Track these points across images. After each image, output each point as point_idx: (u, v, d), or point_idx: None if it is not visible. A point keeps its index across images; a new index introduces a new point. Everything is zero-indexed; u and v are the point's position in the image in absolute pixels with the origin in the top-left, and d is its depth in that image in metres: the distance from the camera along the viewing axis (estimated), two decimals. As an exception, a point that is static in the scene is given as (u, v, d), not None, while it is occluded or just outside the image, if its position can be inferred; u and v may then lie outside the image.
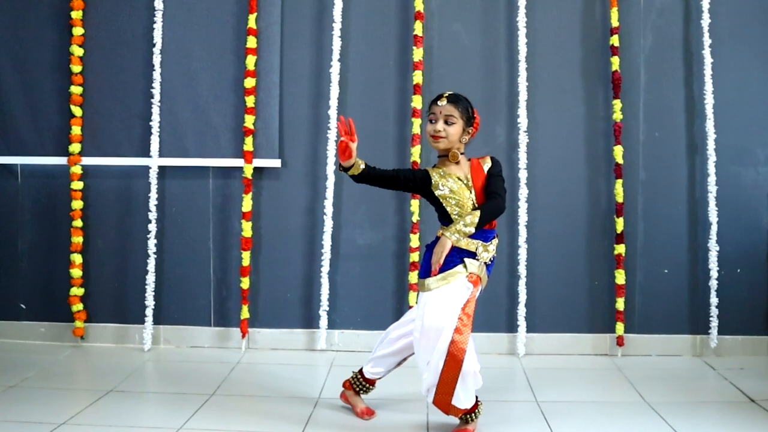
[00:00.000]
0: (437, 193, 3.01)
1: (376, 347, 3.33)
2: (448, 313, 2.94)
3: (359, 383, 3.34)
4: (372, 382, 3.34)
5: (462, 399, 2.99)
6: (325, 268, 4.31)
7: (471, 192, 3.02)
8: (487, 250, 3.05)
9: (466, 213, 2.98)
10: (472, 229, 2.95)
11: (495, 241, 3.10)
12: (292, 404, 3.48)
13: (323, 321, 4.33)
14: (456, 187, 3.01)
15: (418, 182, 3.04)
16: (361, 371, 3.35)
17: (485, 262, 3.05)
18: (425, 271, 3.03)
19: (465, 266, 2.99)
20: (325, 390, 3.70)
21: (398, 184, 3.04)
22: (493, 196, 3.01)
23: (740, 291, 4.32)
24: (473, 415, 3.08)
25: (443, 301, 2.96)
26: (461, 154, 3.08)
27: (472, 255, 3.01)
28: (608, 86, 4.32)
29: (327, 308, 4.33)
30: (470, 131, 3.09)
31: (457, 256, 2.99)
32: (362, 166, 2.97)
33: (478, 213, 2.94)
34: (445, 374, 2.92)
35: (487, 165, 3.10)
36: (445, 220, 3.06)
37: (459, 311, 2.94)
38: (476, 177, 3.06)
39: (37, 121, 4.44)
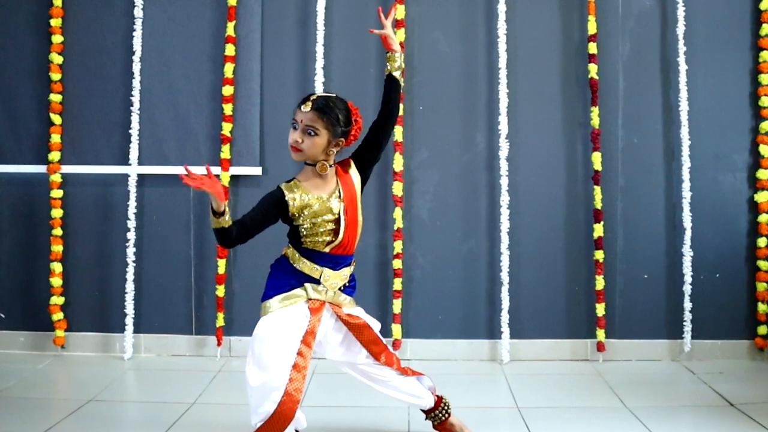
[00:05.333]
0: (296, 222, 2.70)
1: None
2: (286, 346, 2.66)
3: (443, 411, 3.06)
4: (438, 403, 3.05)
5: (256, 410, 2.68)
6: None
7: (339, 205, 2.72)
8: (335, 277, 2.76)
9: (316, 235, 2.70)
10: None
11: (348, 269, 2.83)
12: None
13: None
14: (316, 206, 2.69)
15: (271, 218, 2.68)
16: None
17: (339, 288, 2.80)
18: (266, 294, 2.75)
19: (305, 290, 2.73)
20: (306, 398, 3.68)
21: (255, 229, 2.66)
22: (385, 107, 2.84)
23: (719, 295, 4.35)
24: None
25: (280, 329, 2.67)
26: (330, 166, 2.75)
27: (316, 281, 2.73)
28: (587, 93, 4.34)
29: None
30: (341, 143, 2.74)
31: (295, 280, 2.73)
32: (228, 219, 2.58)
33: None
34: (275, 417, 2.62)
35: (353, 168, 2.84)
36: (291, 236, 2.77)
37: (298, 344, 2.67)
38: (346, 186, 2.77)
39: (16, 129, 4.41)
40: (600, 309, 4.29)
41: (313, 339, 2.71)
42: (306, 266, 2.73)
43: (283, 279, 2.75)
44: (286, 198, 2.68)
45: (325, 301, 2.77)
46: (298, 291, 2.73)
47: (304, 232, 2.71)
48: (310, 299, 2.74)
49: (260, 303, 2.76)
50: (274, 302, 2.71)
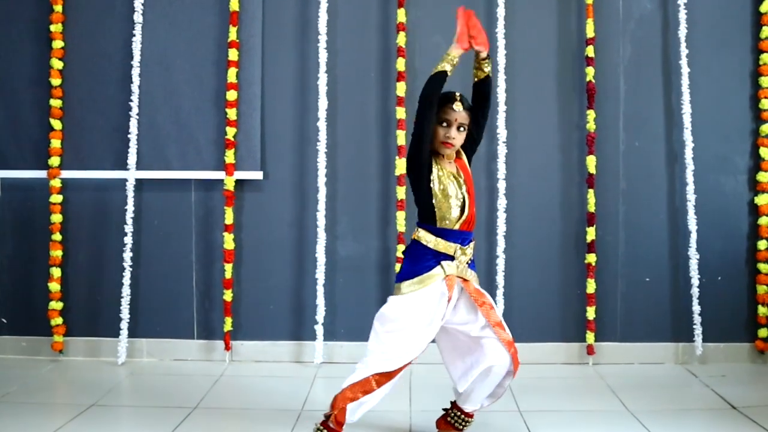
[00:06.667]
0: (434, 186, 2.90)
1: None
2: (417, 323, 2.89)
3: (460, 419, 3.16)
4: (471, 415, 3.17)
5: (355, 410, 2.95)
6: (320, 280, 4.30)
7: (462, 188, 2.94)
8: (465, 253, 2.96)
9: (447, 213, 2.90)
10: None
11: (472, 244, 3.02)
12: (276, 417, 3.46)
13: (308, 333, 4.32)
14: (448, 183, 2.92)
15: (428, 146, 2.90)
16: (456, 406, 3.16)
17: (466, 263, 2.98)
18: (401, 275, 2.95)
19: (443, 268, 2.90)
20: (308, 402, 3.68)
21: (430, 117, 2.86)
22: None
23: (721, 298, 4.35)
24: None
25: (412, 310, 2.88)
26: None
27: (450, 258, 2.93)
28: (585, 96, 4.35)
29: (313, 320, 4.31)
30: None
31: (433, 259, 2.91)
32: (449, 70, 2.88)
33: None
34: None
35: (463, 157, 3.05)
36: (425, 219, 2.95)
37: (428, 321, 2.89)
38: (464, 169, 3.01)
39: (17, 134, 4.41)
40: (591, 312, 4.30)
41: (444, 313, 2.93)
42: (441, 244, 2.91)
43: (420, 262, 2.92)
44: (433, 164, 2.92)
45: (457, 276, 2.94)
46: (435, 270, 2.90)
47: (437, 210, 2.90)
48: (447, 276, 2.91)
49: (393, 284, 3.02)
50: (412, 284, 2.89)
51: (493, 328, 2.96)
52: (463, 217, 2.93)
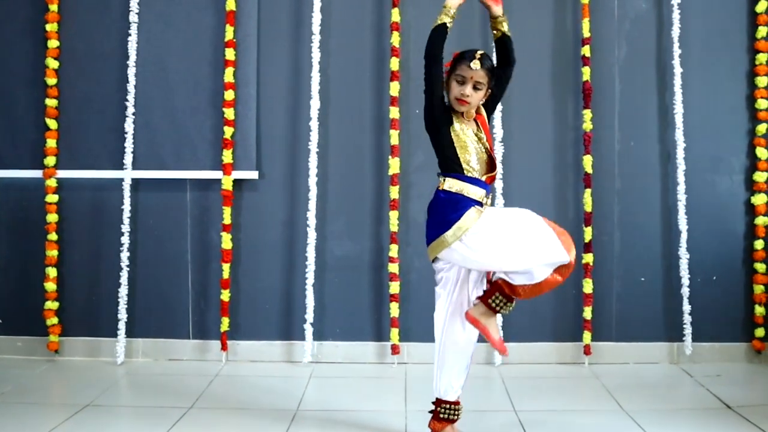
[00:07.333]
0: (454, 133, 2.92)
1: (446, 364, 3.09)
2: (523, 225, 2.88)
3: (452, 410, 3.10)
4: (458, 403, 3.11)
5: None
6: (310, 280, 4.29)
7: (482, 145, 2.97)
8: (487, 205, 2.95)
9: (472, 162, 2.92)
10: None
11: (490, 194, 3.01)
12: (271, 416, 3.46)
13: (303, 333, 4.31)
14: (471, 135, 2.95)
15: (438, 101, 2.93)
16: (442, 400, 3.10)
17: None
18: (437, 230, 2.92)
19: (477, 210, 2.89)
20: (303, 402, 3.68)
21: (435, 67, 2.92)
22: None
23: (716, 298, 4.35)
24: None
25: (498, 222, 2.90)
26: None
27: (479, 204, 2.92)
28: (581, 96, 4.35)
29: (308, 320, 4.31)
30: (489, 93, 3.01)
31: (467, 204, 2.89)
32: (449, 22, 2.91)
33: None
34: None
35: (483, 112, 3.06)
36: (447, 168, 2.95)
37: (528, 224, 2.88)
38: (486, 131, 3.02)
39: (12, 134, 4.41)
40: (587, 312, 4.30)
41: None
42: (472, 190, 2.91)
43: (455, 208, 2.90)
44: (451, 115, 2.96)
45: None
46: (466, 219, 2.87)
47: (461, 158, 2.92)
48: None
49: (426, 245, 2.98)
50: (453, 233, 2.86)
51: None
52: (489, 172, 2.96)
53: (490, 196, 3.01)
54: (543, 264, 2.84)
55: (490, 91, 2.99)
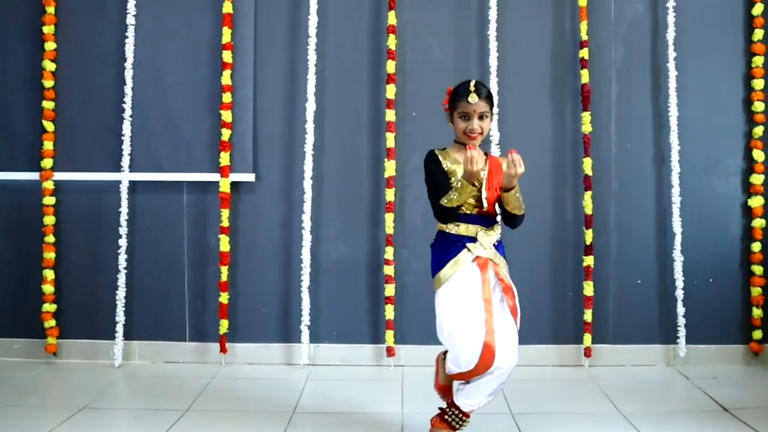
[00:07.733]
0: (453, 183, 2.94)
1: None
2: (470, 307, 2.92)
3: (460, 419, 3.08)
4: (468, 415, 3.09)
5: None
6: (305, 282, 4.29)
7: (478, 186, 2.95)
8: (488, 234, 2.99)
9: (461, 199, 2.89)
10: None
11: (497, 227, 3.05)
12: (268, 418, 3.46)
13: (300, 335, 4.32)
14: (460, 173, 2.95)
15: (444, 173, 2.98)
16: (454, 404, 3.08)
17: (493, 244, 3.01)
18: (435, 267, 3.02)
19: (469, 250, 2.95)
20: (300, 404, 3.68)
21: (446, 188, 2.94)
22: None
23: (713, 300, 4.36)
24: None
25: (459, 292, 2.94)
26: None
27: (473, 240, 2.96)
28: (579, 98, 4.35)
29: (304, 322, 4.31)
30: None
31: (458, 243, 2.96)
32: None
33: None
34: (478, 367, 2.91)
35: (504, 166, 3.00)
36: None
37: (480, 300, 2.92)
38: (494, 174, 3.00)
39: (9, 136, 4.41)
40: (588, 315, 4.30)
41: (489, 288, 2.97)
42: (461, 228, 2.98)
43: (446, 251, 2.99)
44: (439, 157, 3.01)
45: (488, 259, 2.99)
46: (463, 254, 2.96)
47: (455, 195, 2.90)
48: (477, 257, 2.96)
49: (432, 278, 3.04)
50: (446, 270, 2.96)
51: (513, 317, 3.03)
52: (482, 207, 2.98)
53: (495, 226, 3.04)
54: (449, 353, 3.01)
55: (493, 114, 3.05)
